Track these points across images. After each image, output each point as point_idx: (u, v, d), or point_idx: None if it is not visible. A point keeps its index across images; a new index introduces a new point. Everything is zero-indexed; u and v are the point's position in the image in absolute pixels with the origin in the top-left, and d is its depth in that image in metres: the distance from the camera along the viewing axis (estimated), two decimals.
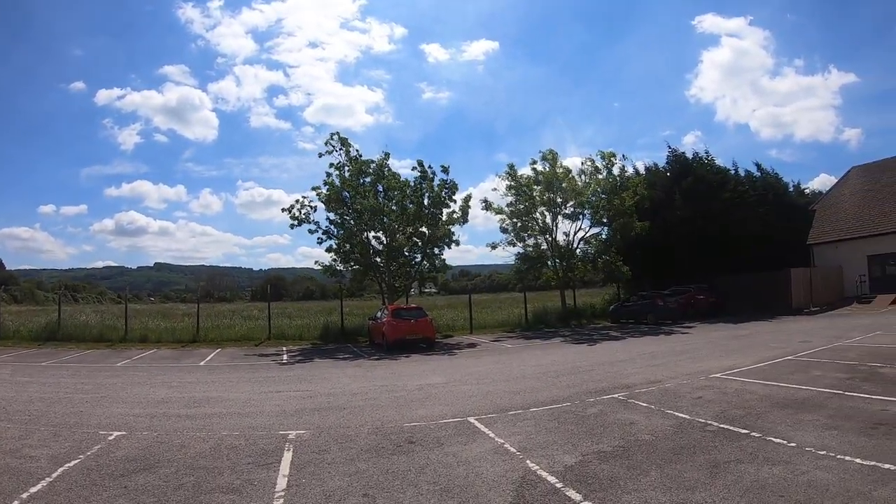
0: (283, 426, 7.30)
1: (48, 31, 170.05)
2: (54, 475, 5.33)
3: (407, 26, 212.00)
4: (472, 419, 7.22)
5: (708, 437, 5.91)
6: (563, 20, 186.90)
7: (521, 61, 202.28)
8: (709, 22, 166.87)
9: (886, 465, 4.69)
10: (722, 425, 6.32)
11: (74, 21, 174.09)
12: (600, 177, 27.02)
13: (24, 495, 4.80)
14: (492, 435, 6.34)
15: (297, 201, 23.27)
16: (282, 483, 5.01)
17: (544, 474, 4.97)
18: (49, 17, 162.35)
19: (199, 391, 10.55)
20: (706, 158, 32.90)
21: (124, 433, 7.02)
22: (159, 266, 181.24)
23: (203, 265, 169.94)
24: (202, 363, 15.41)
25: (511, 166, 27.45)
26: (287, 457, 5.81)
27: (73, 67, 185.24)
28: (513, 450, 5.72)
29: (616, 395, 8.37)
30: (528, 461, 5.33)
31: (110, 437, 6.80)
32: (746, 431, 6.00)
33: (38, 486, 5.03)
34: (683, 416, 6.86)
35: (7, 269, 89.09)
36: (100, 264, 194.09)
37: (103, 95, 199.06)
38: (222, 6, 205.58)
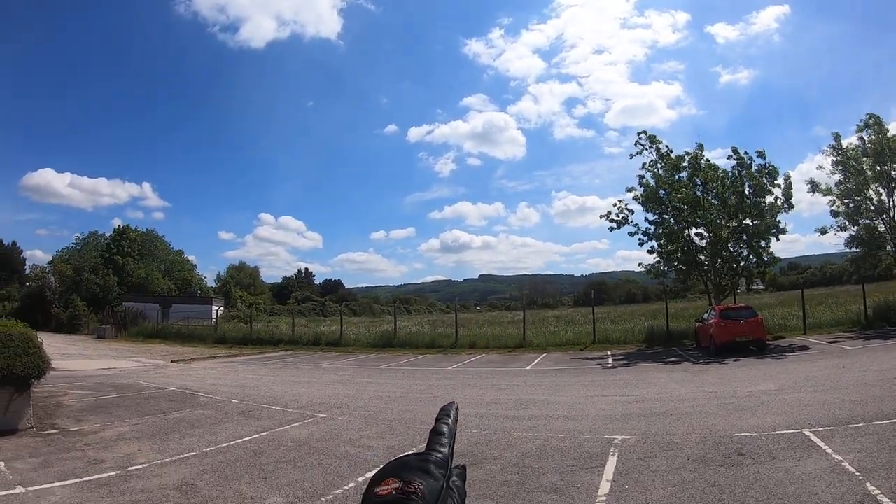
0: (609, 430, 7.20)
1: (359, 88, 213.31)
2: None
3: (688, 10, 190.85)
4: (807, 431, 6.48)
5: None
6: None
7: (818, 19, 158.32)
8: None
9: None
10: None
11: (377, 76, 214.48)
12: None
13: (360, 479, 5.63)
14: (829, 451, 5.67)
15: (614, 205, 23.33)
16: (605, 488, 5.05)
17: (886, 501, 4.22)
18: (356, 76, 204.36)
19: (525, 394, 11.13)
20: None
21: None
22: (484, 278, 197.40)
23: (525, 274, 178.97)
24: (528, 367, 16.33)
25: (837, 136, 23.24)
26: (612, 461, 5.79)
27: (384, 114, 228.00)
28: (851, 469, 5.04)
29: None
30: (867, 483, 4.64)
31: None
32: None
33: (373, 472, 6.02)
34: None
35: (346, 287, 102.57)
36: (429, 279, 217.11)
37: (414, 132, 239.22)
38: (503, 35, 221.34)
